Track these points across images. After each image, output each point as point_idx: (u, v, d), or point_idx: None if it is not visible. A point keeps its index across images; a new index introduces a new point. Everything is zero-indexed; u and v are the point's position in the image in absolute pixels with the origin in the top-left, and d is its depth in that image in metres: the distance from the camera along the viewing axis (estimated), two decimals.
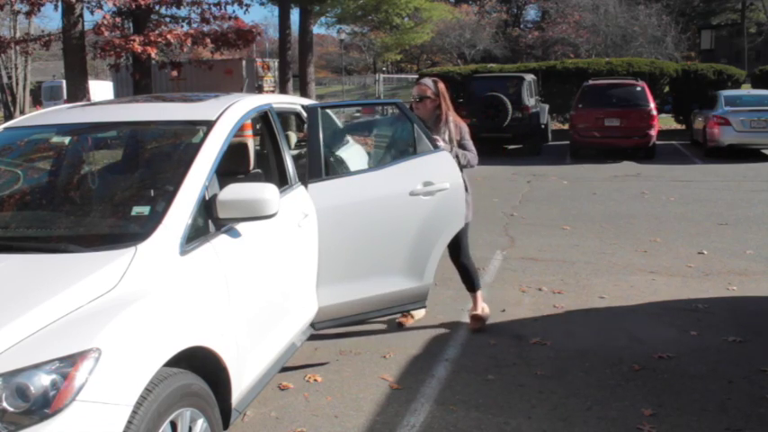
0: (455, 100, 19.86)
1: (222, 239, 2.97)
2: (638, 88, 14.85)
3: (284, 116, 4.26)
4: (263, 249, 3.33)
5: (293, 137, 5.18)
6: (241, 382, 2.97)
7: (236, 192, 2.96)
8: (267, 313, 3.34)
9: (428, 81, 4.80)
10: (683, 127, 19.42)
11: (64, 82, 21.23)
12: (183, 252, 2.71)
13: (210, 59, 19.65)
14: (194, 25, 16.97)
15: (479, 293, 4.92)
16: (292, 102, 4.72)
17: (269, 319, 3.36)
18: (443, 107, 4.75)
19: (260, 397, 3.58)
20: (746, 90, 17.90)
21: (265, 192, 2.97)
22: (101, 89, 25.61)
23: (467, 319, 4.99)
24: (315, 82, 27.33)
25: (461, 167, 4.65)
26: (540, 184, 11.64)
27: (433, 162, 4.23)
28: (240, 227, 3.10)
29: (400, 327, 4.84)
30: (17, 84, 37.26)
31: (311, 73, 25.14)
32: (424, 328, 4.81)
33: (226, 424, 2.85)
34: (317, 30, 35.16)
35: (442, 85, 4.80)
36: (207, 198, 2.97)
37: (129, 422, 2.17)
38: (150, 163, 3.69)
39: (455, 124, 4.79)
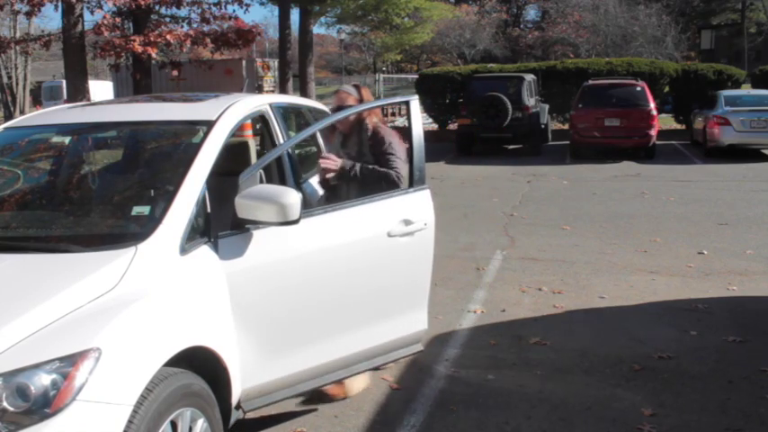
0: (455, 100, 19.97)
1: (224, 240, 2.94)
2: (638, 88, 14.84)
3: (287, 115, 4.25)
4: (277, 254, 3.09)
5: None
6: (244, 384, 2.95)
7: (260, 193, 2.86)
8: (291, 323, 3.13)
9: (349, 87, 3.97)
10: (683, 127, 19.40)
11: (64, 82, 21.22)
12: (184, 252, 2.71)
13: (210, 59, 19.64)
14: (194, 25, 16.95)
15: None
16: (294, 102, 4.75)
17: (295, 330, 3.15)
18: (367, 117, 3.88)
19: None
20: (746, 90, 17.89)
21: (288, 196, 2.83)
22: (101, 89, 25.56)
23: (467, 319, 5.00)
24: (315, 82, 27.32)
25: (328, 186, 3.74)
26: (540, 184, 11.64)
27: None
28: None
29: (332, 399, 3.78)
30: (17, 84, 37.22)
31: (311, 73, 25.12)
32: None
33: (226, 423, 2.85)
34: (317, 30, 35.16)
35: (366, 92, 3.98)
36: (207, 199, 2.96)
37: (130, 422, 2.17)
38: (150, 163, 3.69)
39: (375, 133, 3.87)
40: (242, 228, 2.94)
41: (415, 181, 3.62)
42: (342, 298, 3.30)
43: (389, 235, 3.41)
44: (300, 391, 3.26)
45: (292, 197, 2.84)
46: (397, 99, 4.37)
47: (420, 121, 3.77)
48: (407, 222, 3.48)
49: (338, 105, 3.87)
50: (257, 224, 2.91)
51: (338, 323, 3.31)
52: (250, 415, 3.57)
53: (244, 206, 2.85)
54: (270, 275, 3.03)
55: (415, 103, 3.77)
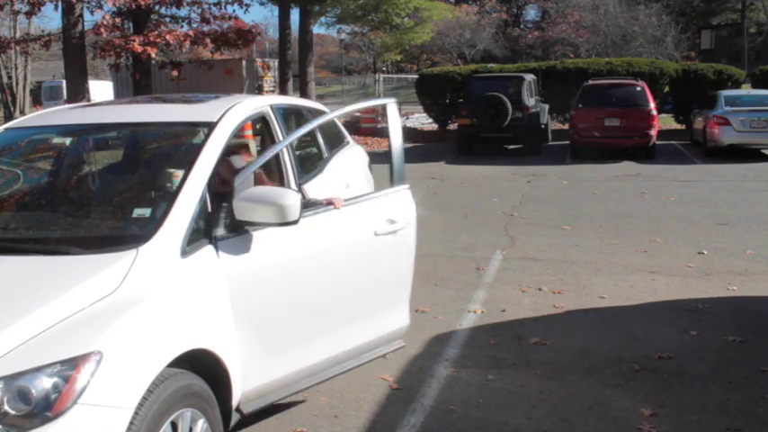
0: (455, 100, 19.95)
1: (224, 242, 2.94)
2: (638, 88, 14.84)
3: (288, 116, 4.27)
4: (275, 255, 3.12)
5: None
6: (244, 385, 2.95)
7: (258, 194, 2.89)
8: (288, 323, 3.17)
9: (239, 160, 3.52)
10: (683, 127, 19.40)
11: (64, 82, 21.22)
12: (185, 254, 2.71)
13: (210, 59, 19.62)
14: (194, 25, 16.95)
15: None
16: (294, 103, 4.76)
17: (292, 330, 3.19)
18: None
19: None
20: (746, 90, 17.88)
21: (288, 197, 2.87)
22: (101, 89, 25.54)
23: (467, 319, 5.00)
24: (315, 82, 27.30)
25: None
26: (540, 184, 11.64)
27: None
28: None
29: None
30: (17, 84, 37.23)
31: (311, 73, 25.10)
32: (425, 329, 4.82)
33: (227, 425, 2.86)
34: (317, 30, 35.12)
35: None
36: (208, 200, 2.96)
37: (131, 423, 2.17)
38: (151, 164, 3.69)
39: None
40: (241, 230, 2.96)
41: (395, 181, 3.74)
42: (334, 297, 3.37)
43: (376, 234, 3.52)
44: (295, 390, 3.30)
45: (292, 198, 2.87)
46: (375, 102, 4.55)
47: (398, 124, 3.89)
48: (391, 222, 3.59)
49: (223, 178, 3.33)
50: (256, 225, 2.93)
51: (331, 322, 3.38)
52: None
53: (243, 208, 2.87)
54: (269, 276, 3.06)
55: (393, 106, 3.86)
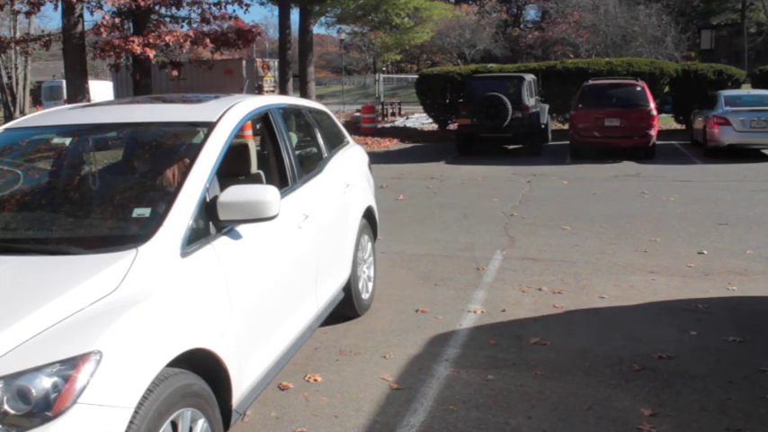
0: (455, 100, 19.99)
1: (223, 241, 2.98)
2: (638, 88, 14.84)
3: (287, 116, 4.29)
4: (263, 250, 3.35)
5: (294, 137, 5.23)
6: (242, 383, 2.97)
7: (238, 193, 2.97)
8: (269, 314, 3.35)
9: None
10: (683, 127, 19.42)
11: (64, 82, 21.23)
12: (184, 254, 2.72)
13: (210, 59, 19.64)
14: (194, 25, 16.96)
15: None
16: (294, 103, 4.77)
17: (271, 321, 3.37)
18: None
19: (260, 397, 3.59)
20: (746, 90, 17.87)
21: (266, 194, 2.99)
22: (101, 89, 25.58)
23: (467, 319, 5.00)
24: (315, 82, 27.31)
25: None
26: (540, 184, 11.65)
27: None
28: (240, 228, 3.11)
29: None
30: (17, 84, 37.27)
31: (311, 73, 25.12)
32: (424, 328, 4.82)
33: (226, 425, 2.86)
34: (317, 30, 35.13)
35: None
36: (207, 200, 2.98)
37: (131, 422, 2.17)
38: (151, 165, 3.69)
39: None
40: (226, 228, 3.04)
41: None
42: (293, 283, 3.75)
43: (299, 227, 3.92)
44: (272, 376, 3.45)
45: (271, 194, 3.00)
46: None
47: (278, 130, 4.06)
48: (305, 216, 3.98)
49: None
50: (239, 223, 3.04)
51: (293, 305, 3.72)
52: (250, 415, 3.58)
53: (227, 207, 2.95)
54: (259, 271, 3.25)
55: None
